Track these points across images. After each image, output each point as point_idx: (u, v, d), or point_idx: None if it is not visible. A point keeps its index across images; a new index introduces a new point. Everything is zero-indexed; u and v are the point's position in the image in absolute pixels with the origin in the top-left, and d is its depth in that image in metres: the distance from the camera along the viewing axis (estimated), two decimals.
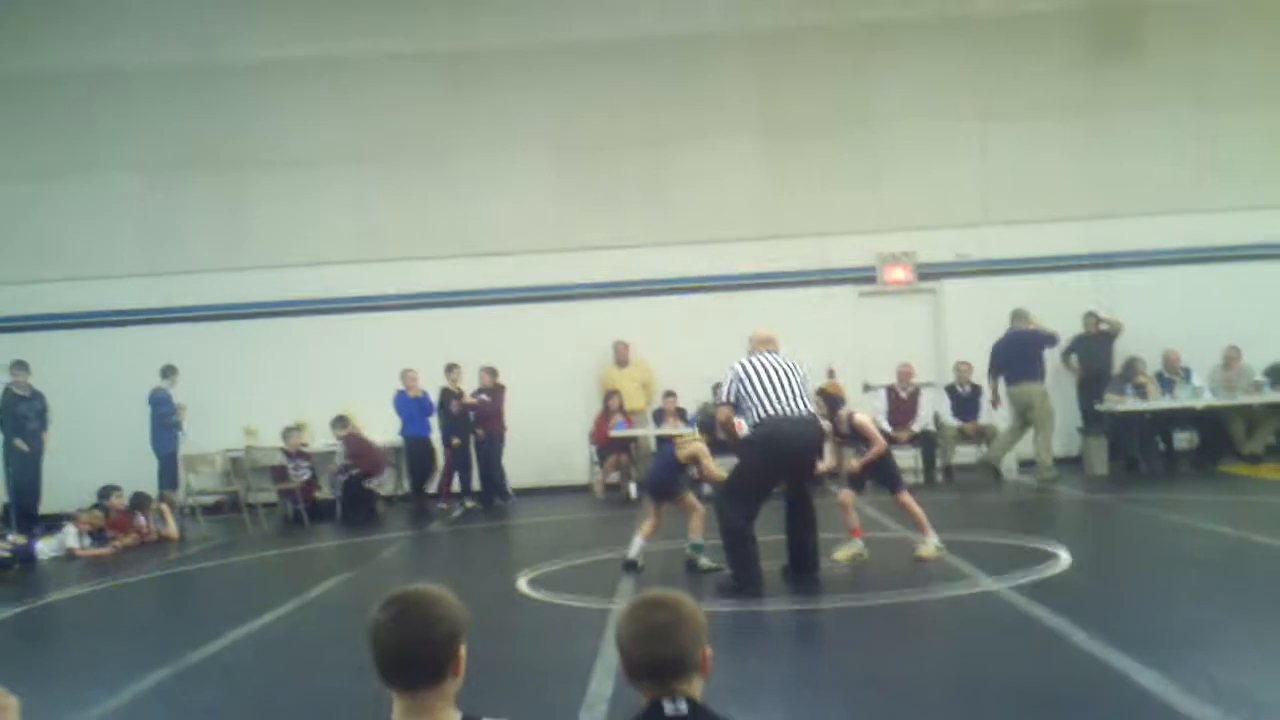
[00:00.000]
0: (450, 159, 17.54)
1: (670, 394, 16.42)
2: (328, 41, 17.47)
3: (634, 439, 16.57)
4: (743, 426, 8.97)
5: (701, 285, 17.28)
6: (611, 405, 16.50)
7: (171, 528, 14.36)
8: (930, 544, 9.49)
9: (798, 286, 17.23)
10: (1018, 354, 15.62)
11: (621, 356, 17.01)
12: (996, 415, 16.24)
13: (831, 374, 15.34)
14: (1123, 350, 16.41)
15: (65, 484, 15.19)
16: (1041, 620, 7.02)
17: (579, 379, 17.16)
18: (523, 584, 9.27)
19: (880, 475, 9.89)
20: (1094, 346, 16.42)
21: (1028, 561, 9.03)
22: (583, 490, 16.79)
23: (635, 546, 9.62)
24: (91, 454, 15.84)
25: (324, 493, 15.88)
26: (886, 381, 16.32)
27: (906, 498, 9.71)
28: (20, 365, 15.49)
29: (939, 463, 16.12)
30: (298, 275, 17.32)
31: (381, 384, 16.19)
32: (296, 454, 15.87)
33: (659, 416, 16.48)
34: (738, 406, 8.86)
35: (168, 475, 15.50)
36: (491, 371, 16.15)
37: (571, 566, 10.25)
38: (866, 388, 16.62)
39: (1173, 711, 5.07)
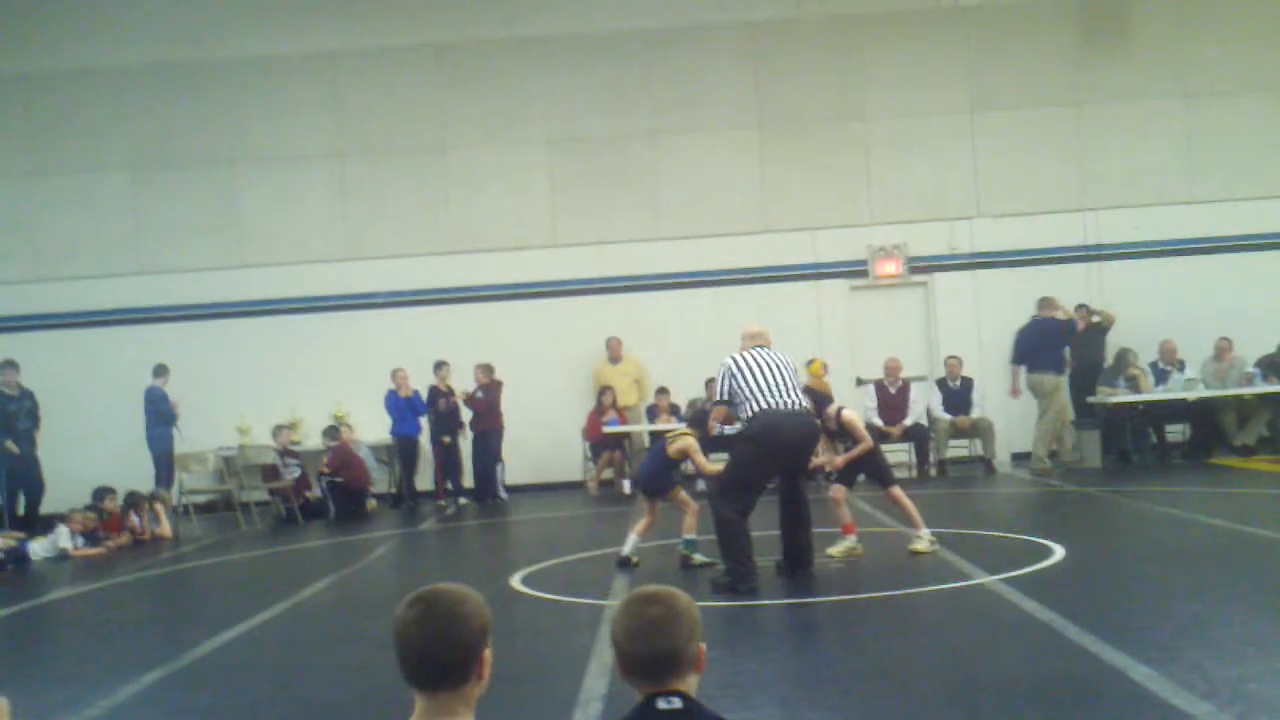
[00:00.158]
0: (441, 154, 17.55)
1: (663, 390, 16.44)
2: (316, 36, 17.48)
3: (627, 435, 16.57)
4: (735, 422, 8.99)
5: (693, 280, 17.28)
6: (604, 401, 16.49)
7: (165, 527, 14.33)
8: (923, 539, 9.50)
9: (789, 281, 17.25)
10: (1040, 342, 15.62)
11: (614, 352, 17.01)
12: (990, 409, 16.28)
13: (824, 369, 15.27)
14: (1114, 342, 16.44)
15: (57, 484, 15.18)
16: (1035, 614, 7.03)
17: (572, 375, 17.15)
18: (517, 581, 9.26)
19: (871, 470, 9.89)
20: (1086, 339, 16.43)
21: (1021, 555, 9.04)
22: (576, 487, 16.79)
23: (630, 543, 9.62)
24: (83, 454, 15.84)
25: (315, 492, 15.83)
26: (878, 376, 16.32)
27: (898, 492, 9.71)
28: (9, 365, 15.46)
29: (931, 457, 16.13)
30: (289, 272, 17.29)
31: (374, 381, 16.19)
32: (286, 452, 15.85)
33: (652, 413, 16.48)
34: (731, 402, 8.85)
35: (163, 473, 15.49)
36: (487, 368, 16.13)
37: (565, 563, 10.24)
38: (859, 382, 16.63)
39: (1166, 705, 5.07)
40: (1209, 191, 17.01)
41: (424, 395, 16.11)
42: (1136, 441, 16.12)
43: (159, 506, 14.48)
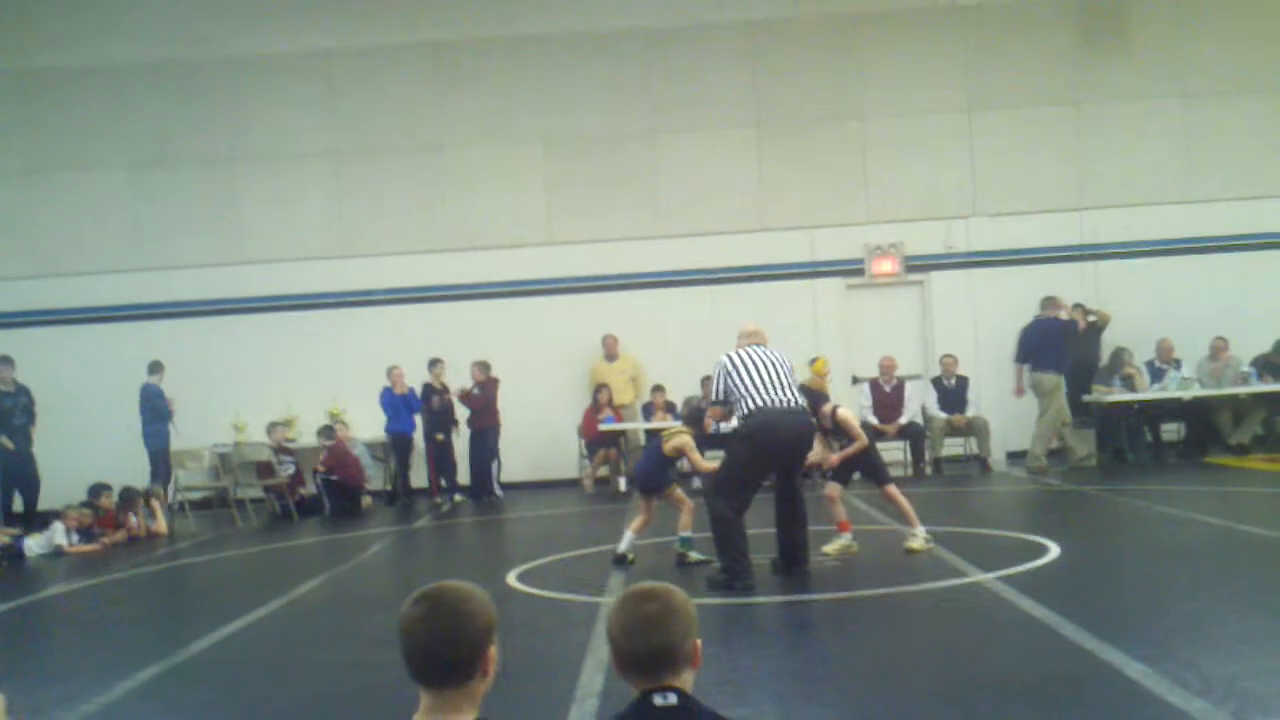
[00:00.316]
0: (438, 152, 17.55)
1: (659, 388, 16.44)
2: (313, 34, 17.48)
3: (623, 433, 16.58)
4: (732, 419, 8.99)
5: (690, 279, 17.28)
6: (600, 399, 16.50)
7: (161, 523, 14.32)
8: (919, 537, 9.51)
9: (786, 279, 17.25)
10: (1041, 342, 15.64)
11: (610, 350, 17.01)
12: (986, 408, 16.29)
13: (815, 361, 15.25)
14: (1109, 341, 16.45)
15: (53, 480, 15.19)
16: (1030, 612, 7.04)
17: (568, 373, 17.16)
18: (512, 578, 9.26)
19: (866, 469, 9.90)
20: (1082, 338, 16.44)
21: (1016, 553, 9.05)
22: (572, 484, 16.80)
23: (625, 540, 9.63)
24: (79, 450, 15.84)
25: (309, 489, 15.83)
26: (874, 374, 16.32)
27: (893, 490, 9.73)
28: (4, 360, 15.45)
29: (927, 455, 16.14)
30: (285, 269, 17.30)
31: (370, 378, 16.20)
32: (281, 449, 15.84)
33: (648, 410, 16.49)
34: (727, 401, 8.86)
35: (159, 470, 15.48)
36: (483, 365, 16.12)
37: (561, 561, 10.24)
38: (855, 380, 16.64)
39: (1162, 703, 5.08)
40: (1206, 191, 17.03)
41: (419, 393, 16.11)
42: (1132, 440, 16.14)
43: (155, 503, 14.48)
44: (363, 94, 17.61)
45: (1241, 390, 15.77)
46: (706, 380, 12.58)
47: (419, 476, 16.48)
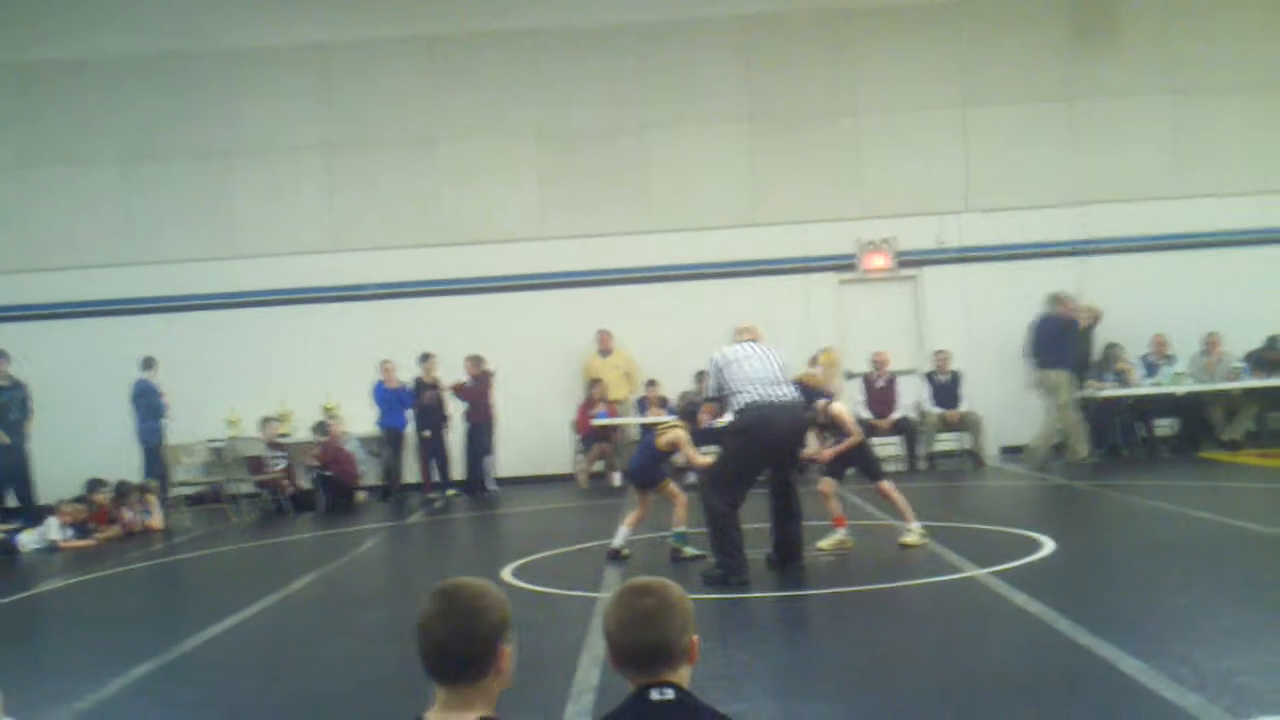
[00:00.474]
0: (431, 146, 17.55)
1: (652, 383, 16.44)
2: (306, 27, 17.45)
3: (617, 428, 16.58)
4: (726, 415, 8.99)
5: (683, 273, 17.29)
6: (594, 394, 16.50)
7: (156, 519, 14.30)
8: (913, 532, 9.52)
9: (779, 274, 17.25)
10: (1045, 338, 15.65)
11: (604, 345, 17.00)
12: (979, 403, 16.31)
13: (814, 362, 15.27)
14: (1102, 337, 16.47)
15: (47, 475, 15.14)
16: (1025, 607, 7.04)
17: (562, 368, 17.15)
18: (507, 574, 9.26)
19: (860, 464, 9.91)
20: (1081, 334, 16.43)
21: (1011, 549, 9.06)
22: (567, 479, 16.79)
23: (620, 536, 9.63)
24: (73, 445, 15.81)
25: (303, 483, 15.81)
26: (867, 369, 16.33)
27: (887, 486, 9.74)
28: (0, 355, 15.39)
29: (920, 450, 16.15)
30: (279, 264, 17.28)
31: (363, 372, 16.19)
32: (272, 444, 15.83)
33: (642, 405, 16.49)
34: (721, 397, 8.85)
35: (154, 465, 15.45)
36: (477, 360, 16.11)
37: (556, 556, 10.24)
38: (849, 375, 16.63)
39: (1156, 697, 5.09)
40: (1197, 187, 17.04)
41: (411, 387, 16.10)
42: (1125, 436, 16.17)
43: (150, 498, 14.45)
44: (356, 87, 17.58)
45: (1234, 385, 15.81)
46: (701, 375, 12.60)
47: (412, 472, 16.47)
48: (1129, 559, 9.02)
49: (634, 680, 2.63)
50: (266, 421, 16.03)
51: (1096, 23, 17.41)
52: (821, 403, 9.81)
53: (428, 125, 17.53)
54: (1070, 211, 17.20)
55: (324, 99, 17.56)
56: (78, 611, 9.69)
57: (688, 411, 9.98)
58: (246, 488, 15.88)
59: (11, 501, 15.24)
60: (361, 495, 15.95)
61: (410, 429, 16.32)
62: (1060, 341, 15.54)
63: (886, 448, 15.34)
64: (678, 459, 10.23)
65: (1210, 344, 16.32)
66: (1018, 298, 16.08)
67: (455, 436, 16.31)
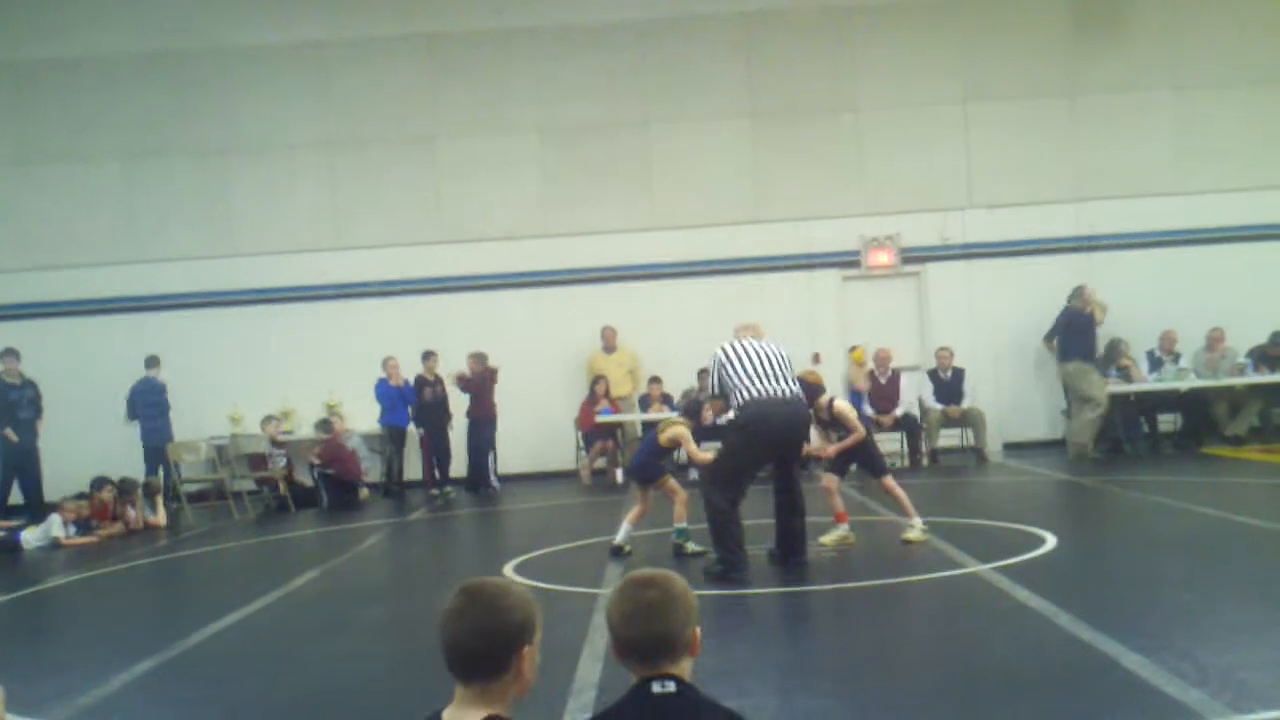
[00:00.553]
0: (432, 143, 17.54)
1: (656, 379, 16.44)
2: (306, 25, 17.44)
3: (620, 425, 16.57)
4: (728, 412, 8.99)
5: (685, 270, 17.28)
6: (598, 391, 16.49)
7: (160, 515, 14.31)
8: (916, 528, 9.51)
9: (782, 270, 17.24)
10: (1066, 333, 15.66)
11: (609, 342, 16.99)
12: (981, 399, 16.31)
13: (817, 359, 15.37)
14: (1105, 333, 16.46)
15: (50, 472, 15.17)
16: (1027, 603, 7.04)
17: (565, 365, 17.15)
18: (509, 570, 9.25)
19: (863, 460, 9.90)
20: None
21: (1013, 544, 9.06)
22: (569, 476, 16.79)
23: (622, 532, 9.63)
24: (75, 442, 15.83)
25: (304, 480, 15.80)
26: (870, 366, 16.32)
27: (890, 482, 9.73)
28: (10, 353, 15.41)
29: (923, 447, 16.15)
30: (281, 262, 17.28)
31: (365, 370, 16.18)
32: (274, 442, 15.83)
33: (645, 402, 16.49)
34: (723, 393, 8.85)
35: (158, 463, 15.47)
36: (480, 357, 16.09)
37: (558, 552, 10.24)
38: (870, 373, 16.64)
39: (1158, 693, 5.08)
40: (1200, 183, 17.02)
41: (413, 384, 16.10)
42: (1129, 431, 16.16)
43: (156, 496, 14.46)
44: (356, 85, 17.57)
45: (1238, 381, 15.80)
46: (703, 373, 12.60)
47: (415, 469, 16.48)
48: (1131, 554, 9.01)
49: (636, 672, 2.63)
50: (268, 419, 16.04)
51: (1098, 18, 17.39)
52: (824, 399, 9.81)
53: (427, 122, 17.53)
54: (1073, 207, 17.19)
55: (323, 97, 17.55)
56: (80, 608, 9.70)
57: (691, 409, 9.98)
58: (249, 485, 15.88)
59: (17, 499, 15.27)
60: (365, 492, 15.95)
61: (412, 426, 16.32)
62: (1078, 335, 15.59)
63: (889, 444, 15.32)
64: (680, 455, 10.22)
65: (1214, 340, 16.31)
66: (1020, 294, 16.07)
67: (457, 433, 16.28)
